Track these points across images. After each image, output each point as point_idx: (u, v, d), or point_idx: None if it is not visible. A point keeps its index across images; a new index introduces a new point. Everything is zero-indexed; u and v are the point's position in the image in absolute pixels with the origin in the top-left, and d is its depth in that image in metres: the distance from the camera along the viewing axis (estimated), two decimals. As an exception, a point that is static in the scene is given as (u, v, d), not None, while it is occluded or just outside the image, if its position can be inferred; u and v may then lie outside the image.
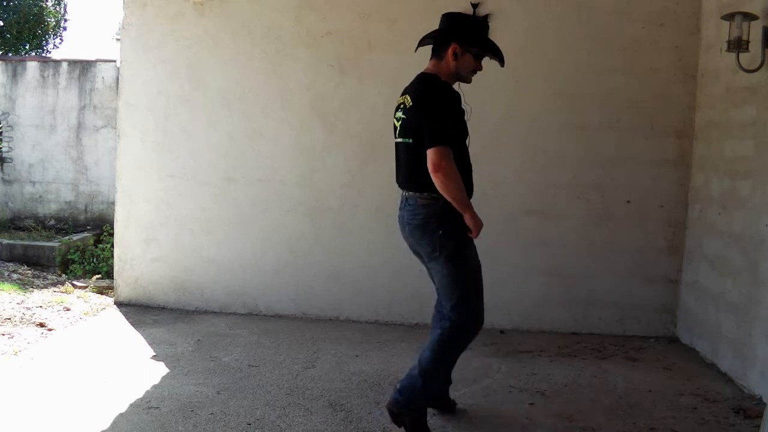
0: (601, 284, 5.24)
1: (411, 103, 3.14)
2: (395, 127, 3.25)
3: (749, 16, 4.06)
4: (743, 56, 4.12)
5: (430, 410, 3.59)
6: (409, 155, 3.16)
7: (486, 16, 3.34)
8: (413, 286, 5.21)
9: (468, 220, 3.11)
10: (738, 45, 4.08)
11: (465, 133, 3.24)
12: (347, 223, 5.36)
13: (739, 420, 3.65)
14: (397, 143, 3.27)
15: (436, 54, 3.24)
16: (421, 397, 3.17)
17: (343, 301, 5.37)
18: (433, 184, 3.04)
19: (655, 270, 5.23)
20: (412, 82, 3.26)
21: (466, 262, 3.20)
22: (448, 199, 3.05)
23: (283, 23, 5.32)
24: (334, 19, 5.28)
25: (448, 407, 3.57)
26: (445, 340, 3.15)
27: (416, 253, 3.34)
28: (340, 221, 5.36)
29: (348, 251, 5.35)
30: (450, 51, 3.18)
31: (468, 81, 3.28)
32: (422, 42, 3.34)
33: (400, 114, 3.21)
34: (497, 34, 5.16)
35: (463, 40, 3.19)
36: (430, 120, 3.03)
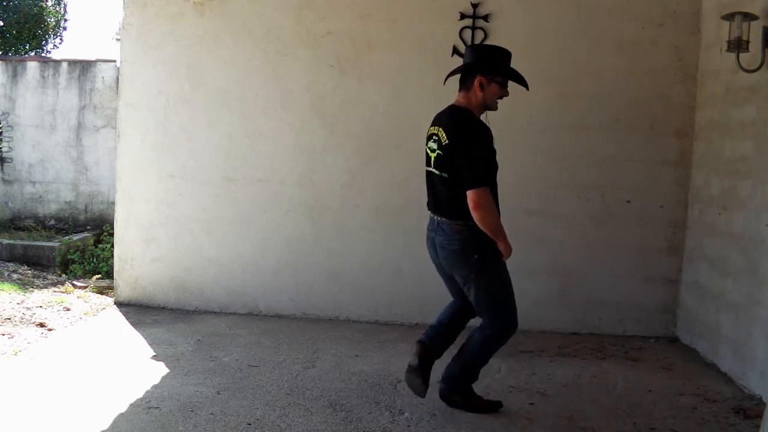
0: (601, 284, 5.24)
1: (447, 141, 3.31)
2: (428, 156, 3.44)
3: (749, 16, 4.06)
4: (743, 56, 4.12)
5: (429, 411, 3.60)
6: (446, 187, 3.36)
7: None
8: (413, 286, 5.21)
9: (501, 246, 3.36)
10: (738, 45, 4.08)
11: (496, 168, 3.43)
12: (347, 223, 5.36)
13: (739, 420, 3.66)
14: (430, 173, 3.45)
15: (464, 85, 3.43)
16: (465, 384, 3.58)
17: (343, 301, 5.37)
18: (467, 212, 3.27)
19: (655, 270, 5.23)
20: (444, 114, 3.43)
21: (501, 279, 3.46)
22: (485, 230, 3.29)
23: (283, 23, 5.32)
24: (334, 19, 5.28)
25: (490, 407, 3.67)
26: (489, 341, 3.50)
27: (442, 270, 3.58)
28: (340, 221, 5.36)
29: (348, 251, 5.35)
30: (476, 83, 3.36)
31: (495, 109, 3.45)
32: (451, 74, 3.55)
33: (434, 146, 3.40)
34: (497, 34, 5.20)
35: (488, 71, 3.38)
36: (470, 162, 3.24)
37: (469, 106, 3.38)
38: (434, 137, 3.40)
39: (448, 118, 3.39)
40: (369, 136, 5.28)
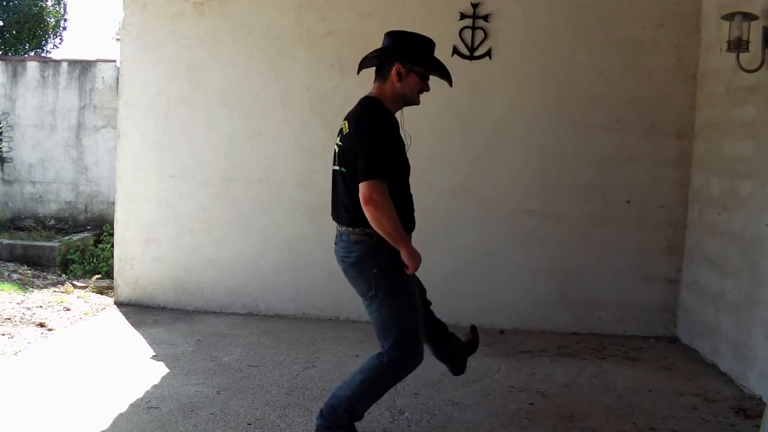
0: (601, 284, 5.24)
1: (348, 130, 2.98)
2: (334, 153, 3.08)
3: (749, 16, 4.06)
4: (743, 56, 4.12)
5: (429, 411, 3.60)
6: (344, 186, 3.00)
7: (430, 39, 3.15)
8: (413, 286, 5.20)
9: (404, 255, 2.91)
10: (738, 45, 4.08)
11: (405, 165, 3.06)
12: (347, 223, 5.35)
13: (739, 420, 3.66)
14: (333, 171, 3.10)
15: (380, 75, 3.07)
16: (345, 420, 3.04)
17: (343, 301, 5.36)
18: (366, 218, 2.87)
19: (655, 270, 5.23)
20: (354, 106, 3.09)
21: (404, 300, 2.99)
22: (381, 233, 2.88)
23: (283, 23, 5.32)
24: (334, 19, 5.28)
25: (468, 349, 3.44)
26: (381, 374, 3.00)
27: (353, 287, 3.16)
28: (340, 221, 5.35)
29: (348, 251, 5.34)
30: (394, 71, 3.00)
31: (416, 103, 3.10)
32: (364, 63, 3.16)
33: (338, 140, 3.06)
34: (497, 34, 5.21)
35: (407, 59, 3.01)
36: (365, 150, 2.85)
37: (382, 97, 3.02)
38: (341, 132, 3.03)
39: (354, 109, 3.04)
40: (369, 136, 5.27)
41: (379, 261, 2.94)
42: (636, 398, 3.94)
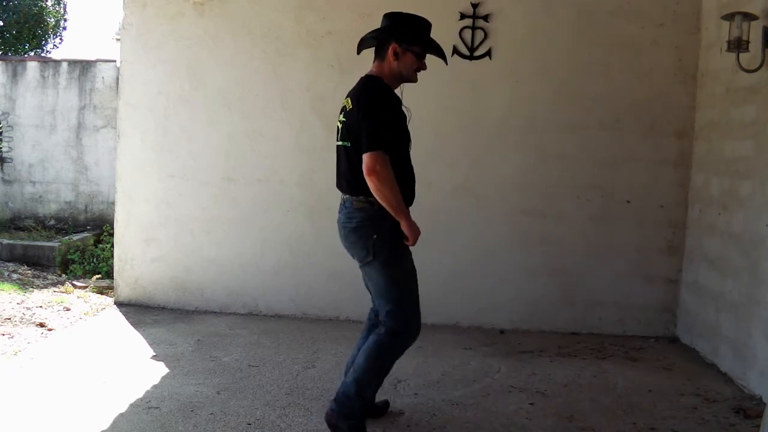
0: (601, 284, 5.24)
1: (351, 106, 3.09)
2: (338, 130, 3.21)
3: (749, 16, 4.06)
4: (743, 56, 4.12)
5: (429, 411, 3.60)
6: (347, 159, 3.12)
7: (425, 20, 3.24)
8: (413, 286, 5.20)
9: (404, 226, 3.04)
10: (738, 45, 4.08)
11: (407, 138, 3.18)
12: (347, 223, 5.35)
13: (739, 420, 3.66)
14: (337, 146, 3.23)
15: (378, 55, 3.20)
16: (357, 404, 3.11)
17: (343, 301, 5.37)
18: (368, 187, 3.01)
19: (655, 270, 5.23)
20: (355, 85, 3.21)
21: (401, 268, 3.13)
22: (383, 203, 3.01)
23: (283, 23, 5.32)
24: (334, 19, 5.28)
25: (376, 412, 3.43)
26: (380, 347, 3.11)
27: (352, 256, 3.27)
28: (340, 221, 5.35)
29: (348, 251, 5.35)
30: (390, 51, 3.13)
31: (413, 80, 3.23)
32: (363, 44, 3.29)
33: (341, 117, 3.18)
34: (497, 34, 5.21)
35: (403, 39, 3.14)
36: (367, 124, 2.98)
37: (381, 75, 3.15)
38: (344, 109, 3.15)
39: (356, 87, 3.17)
40: (369, 136, 5.27)
41: (379, 229, 3.06)
42: (636, 398, 3.94)
